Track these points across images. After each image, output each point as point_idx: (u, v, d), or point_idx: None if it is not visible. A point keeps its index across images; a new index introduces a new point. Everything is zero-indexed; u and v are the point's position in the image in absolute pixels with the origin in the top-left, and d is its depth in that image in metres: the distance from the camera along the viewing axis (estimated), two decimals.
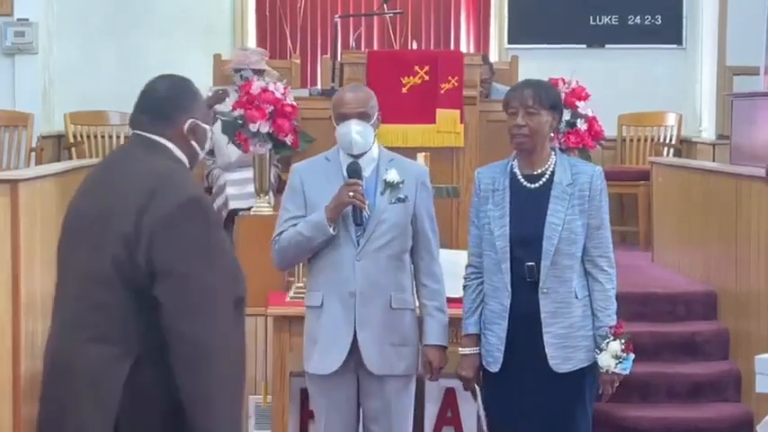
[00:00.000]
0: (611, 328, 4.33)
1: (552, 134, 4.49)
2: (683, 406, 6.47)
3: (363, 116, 4.52)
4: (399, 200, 4.47)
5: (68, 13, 9.68)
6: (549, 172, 4.41)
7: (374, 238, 4.47)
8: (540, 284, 4.32)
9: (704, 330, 6.87)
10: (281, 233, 4.53)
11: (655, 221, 8.43)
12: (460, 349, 4.57)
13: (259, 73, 7.98)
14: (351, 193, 4.39)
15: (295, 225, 4.49)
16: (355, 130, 4.48)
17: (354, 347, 4.48)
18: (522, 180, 4.42)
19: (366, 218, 4.45)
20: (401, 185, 4.47)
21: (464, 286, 4.57)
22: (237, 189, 7.64)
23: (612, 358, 4.31)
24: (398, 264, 4.53)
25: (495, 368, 4.40)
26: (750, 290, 6.47)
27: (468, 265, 4.55)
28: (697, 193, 7.47)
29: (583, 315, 4.36)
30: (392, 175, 4.47)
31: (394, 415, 4.55)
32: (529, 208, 4.37)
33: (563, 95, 5.55)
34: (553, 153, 4.46)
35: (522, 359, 4.35)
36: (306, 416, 5.70)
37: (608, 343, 4.32)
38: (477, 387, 4.59)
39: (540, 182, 4.40)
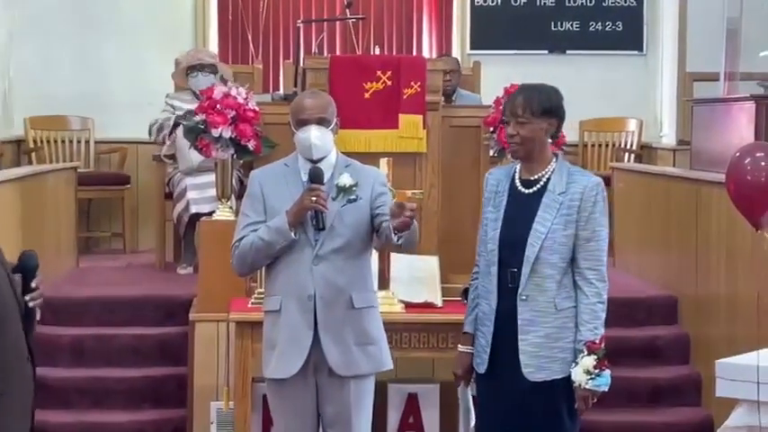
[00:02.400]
0: (587, 342, 4.28)
1: (550, 140, 4.41)
2: (644, 410, 6.50)
3: (323, 122, 4.53)
4: (350, 201, 4.46)
5: (28, 16, 9.62)
6: (544, 179, 4.37)
7: (329, 241, 4.46)
8: (520, 291, 4.30)
9: (665, 335, 6.91)
10: (241, 239, 4.52)
11: (616, 227, 8.46)
12: (458, 346, 4.57)
13: (211, 69, 7.97)
14: (313, 198, 4.38)
15: (255, 231, 4.49)
16: (315, 135, 4.49)
17: (314, 351, 4.47)
18: (519, 185, 4.40)
19: (328, 225, 4.45)
20: (354, 188, 4.46)
21: (469, 284, 4.56)
22: (198, 193, 7.62)
23: (584, 374, 4.25)
24: (357, 263, 4.53)
25: (482, 369, 4.39)
26: (710, 295, 6.51)
27: (475, 265, 4.54)
28: (658, 198, 7.52)
29: (561, 327, 4.30)
30: (343, 179, 4.46)
31: (354, 419, 4.54)
32: (520, 213, 4.34)
33: None
34: (554, 160, 4.41)
35: (503, 364, 4.34)
36: (268, 422, 5.68)
37: (582, 357, 4.27)
38: (462, 385, 4.59)
39: (535, 188, 4.37)
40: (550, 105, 4.38)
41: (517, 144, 4.34)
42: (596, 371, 4.25)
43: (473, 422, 4.61)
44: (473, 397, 4.61)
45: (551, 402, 4.33)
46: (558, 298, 4.31)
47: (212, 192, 6.69)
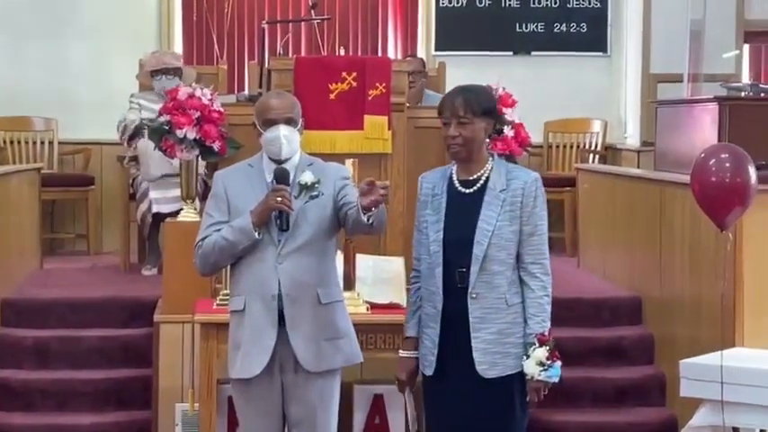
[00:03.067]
0: (537, 335, 4.33)
1: (488, 139, 4.47)
2: (608, 410, 6.52)
3: (290, 122, 4.55)
4: (312, 197, 4.47)
5: None
6: (484, 177, 4.41)
7: (292, 239, 4.46)
8: (470, 289, 4.33)
9: (629, 335, 6.93)
10: (204, 238, 4.53)
11: (580, 227, 8.51)
12: (400, 352, 4.59)
13: (176, 72, 7.93)
14: (278, 199, 4.39)
15: (219, 231, 4.49)
16: (284, 135, 4.51)
17: (279, 350, 4.47)
18: (458, 185, 4.43)
19: (292, 223, 4.45)
20: (317, 185, 4.46)
21: (407, 289, 4.58)
22: (161, 193, 7.60)
23: (537, 365, 4.30)
24: (322, 260, 4.53)
25: (429, 371, 4.42)
26: (674, 295, 6.54)
27: (412, 269, 4.56)
28: (622, 199, 7.55)
29: (513, 322, 4.36)
30: (306, 177, 4.47)
31: (319, 419, 4.55)
32: (462, 213, 4.38)
33: None
34: (491, 158, 4.46)
35: (453, 364, 4.37)
36: (233, 423, 5.66)
37: (533, 350, 4.32)
38: (407, 391, 4.60)
39: (475, 187, 4.41)
40: (489, 105, 4.44)
41: (459, 145, 4.38)
42: (548, 362, 4.31)
43: (416, 426, 4.65)
44: (412, 400, 4.65)
45: (506, 398, 4.37)
46: (508, 294, 4.37)
47: (175, 192, 6.67)
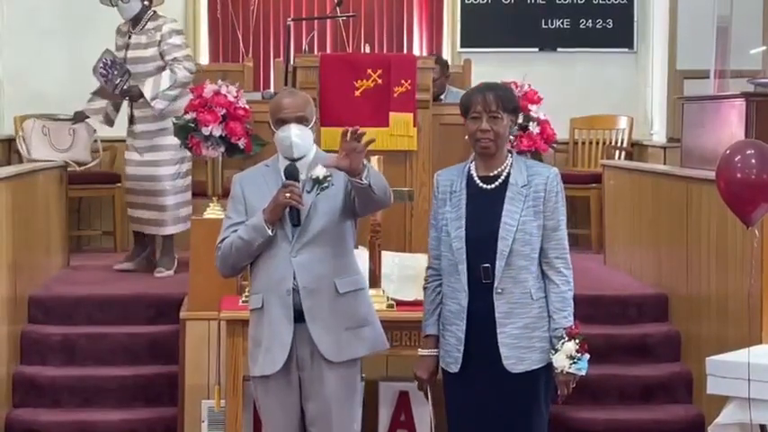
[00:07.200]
0: (566, 329, 4.35)
1: (512, 137, 4.53)
2: (635, 408, 6.51)
3: (302, 120, 4.56)
4: (323, 189, 4.48)
5: (17, 14, 9.60)
6: (504, 173, 4.44)
7: (305, 232, 4.49)
8: (495, 285, 4.35)
9: (655, 332, 6.92)
10: (224, 240, 4.56)
11: (606, 224, 8.48)
12: (419, 350, 4.59)
13: None
14: (287, 195, 4.40)
15: (236, 231, 4.51)
16: (295, 134, 4.52)
17: (296, 346, 4.48)
18: (479, 182, 4.46)
19: (303, 218, 4.46)
20: (329, 178, 4.47)
21: (424, 288, 4.60)
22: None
23: (567, 359, 4.33)
24: (336, 250, 4.55)
25: (454, 368, 4.43)
26: (701, 292, 6.52)
27: (428, 267, 4.59)
28: (648, 195, 7.52)
29: (538, 316, 4.39)
30: (317, 171, 4.48)
31: (335, 416, 4.55)
32: (484, 209, 4.40)
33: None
34: (510, 155, 4.49)
35: (479, 359, 4.38)
36: (259, 420, 5.67)
37: (563, 343, 4.34)
38: (428, 389, 4.61)
39: (496, 183, 4.43)
40: (516, 103, 4.52)
41: (490, 140, 4.40)
42: (578, 355, 4.34)
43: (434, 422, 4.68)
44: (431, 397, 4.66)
45: (532, 392, 4.40)
46: (533, 288, 4.39)
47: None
